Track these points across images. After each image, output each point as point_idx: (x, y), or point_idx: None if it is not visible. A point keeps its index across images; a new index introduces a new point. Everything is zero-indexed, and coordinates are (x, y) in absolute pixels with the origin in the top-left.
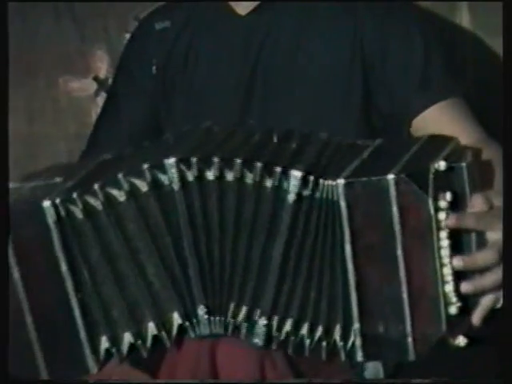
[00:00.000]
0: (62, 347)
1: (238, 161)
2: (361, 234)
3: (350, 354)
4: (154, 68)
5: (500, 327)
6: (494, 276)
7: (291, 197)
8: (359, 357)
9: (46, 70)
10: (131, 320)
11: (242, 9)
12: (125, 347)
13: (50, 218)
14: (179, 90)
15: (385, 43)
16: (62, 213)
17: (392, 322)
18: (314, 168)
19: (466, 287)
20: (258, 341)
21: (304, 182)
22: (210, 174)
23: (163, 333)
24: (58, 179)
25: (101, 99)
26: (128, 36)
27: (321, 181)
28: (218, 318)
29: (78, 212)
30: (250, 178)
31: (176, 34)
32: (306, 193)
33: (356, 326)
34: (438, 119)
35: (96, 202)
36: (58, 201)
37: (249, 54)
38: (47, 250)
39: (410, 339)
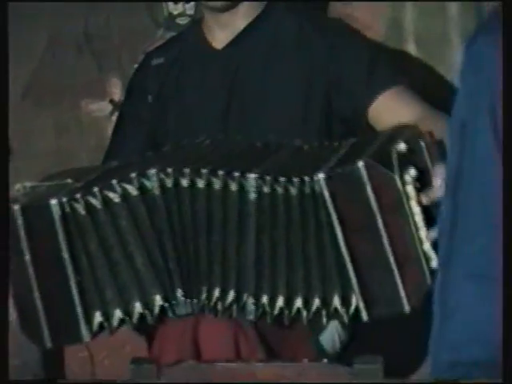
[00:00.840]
0: (61, 318)
1: (204, 170)
2: (346, 216)
3: (352, 316)
4: (150, 97)
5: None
6: None
7: (252, 195)
8: (364, 317)
9: (70, 95)
10: (121, 300)
11: (219, 43)
12: (115, 322)
13: (56, 213)
14: (171, 113)
15: (337, 59)
16: (67, 209)
17: (385, 283)
18: (283, 169)
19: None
20: (252, 317)
21: (262, 181)
22: (185, 182)
23: (147, 311)
24: (69, 180)
25: (116, 118)
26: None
27: (281, 179)
28: (195, 300)
29: (81, 209)
30: (217, 184)
31: (168, 68)
32: (267, 190)
33: (357, 292)
34: (389, 105)
35: (96, 202)
36: (64, 199)
37: (225, 80)
38: (53, 239)
39: (403, 295)
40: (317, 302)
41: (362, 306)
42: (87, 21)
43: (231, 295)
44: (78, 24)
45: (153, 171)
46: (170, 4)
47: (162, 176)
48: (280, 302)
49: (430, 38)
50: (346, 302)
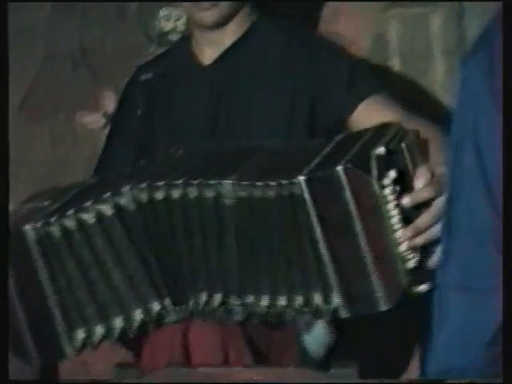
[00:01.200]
0: (45, 337)
1: (178, 182)
2: (325, 218)
3: (333, 313)
4: (139, 111)
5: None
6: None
7: (229, 201)
8: (343, 314)
9: (65, 107)
10: (102, 316)
11: (207, 59)
12: (97, 338)
13: (31, 238)
14: (160, 126)
15: (319, 74)
16: (42, 233)
17: (363, 282)
18: (260, 172)
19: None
20: (239, 317)
21: (239, 187)
22: (159, 195)
23: (127, 326)
24: (46, 203)
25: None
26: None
27: (258, 183)
28: (183, 306)
29: (56, 232)
30: (193, 194)
31: (157, 82)
32: (244, 195)
33: (336, 290)
34: (369, 112)
35: (71, 224)
36: (39, 224)
37: (212, 95)
38: (31, 262)
39: (379, 294)
40: (299, 301)
41: (341, 303)
42: (83, 36)
43: (218, 298)
44: (74, 39)
45: (126, 188)
46: (162, 21)
47: (136, 192)
48: (265, 301)
49: (414, 54)
50: (326, 300)
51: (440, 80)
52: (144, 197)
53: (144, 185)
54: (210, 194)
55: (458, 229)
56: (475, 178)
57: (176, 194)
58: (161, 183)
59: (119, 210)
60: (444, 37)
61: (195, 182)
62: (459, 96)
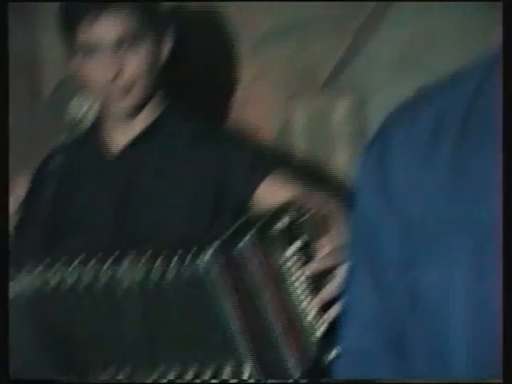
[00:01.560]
0: None
1: (73, 265)
2: (233, 292)
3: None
4: (47, 198)
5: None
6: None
7: (125, 283)
8: None
9: None
10: None
11: (116, 147)
12: None
13: None
14: (67, 215)
15: (224, 163)
16: None
17: (273, 351)
18: (161, 251)
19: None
20: None
21: (135, 269)
22: (54, 279)
23: None
24: None
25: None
26: None
27: (156, 263)
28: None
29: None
30: (88, 277)
31: (65, 170)
32: (140, 276)
33: (247, 363)
34: (271, 189)
35: None
36: None
37: (120, 183)
38: None
39: (290, 363)
40: (208, 374)
41: (252, 376)
42: None
43: (124, 373)
44: None
45: (22, 273)
46: (74, 108)
47: (31, 276)
48: (171, 375)
49: (318, 140)
50: (237, 372)
51: (343, 164)
52: (38, 281)
53: (39, 268)
54: (105, 277)
55: (349, 309)
56: (364, 263)
57: (71, 278)
58: (56, 266)
59: (15, 294)
60: (347, 124)
61: (90, 264)
62: (356, 182)
